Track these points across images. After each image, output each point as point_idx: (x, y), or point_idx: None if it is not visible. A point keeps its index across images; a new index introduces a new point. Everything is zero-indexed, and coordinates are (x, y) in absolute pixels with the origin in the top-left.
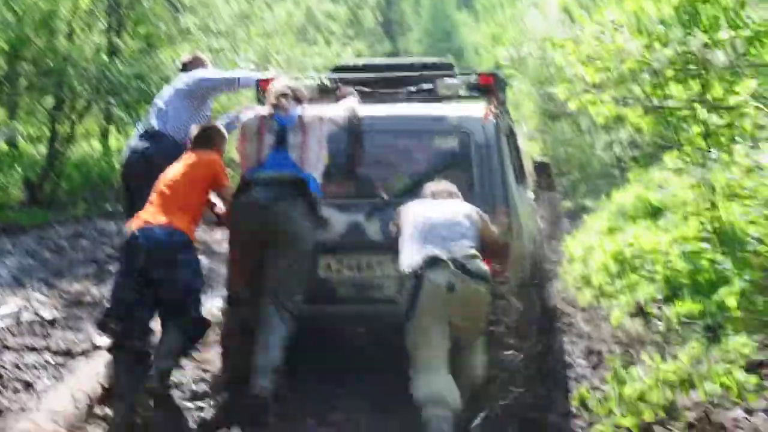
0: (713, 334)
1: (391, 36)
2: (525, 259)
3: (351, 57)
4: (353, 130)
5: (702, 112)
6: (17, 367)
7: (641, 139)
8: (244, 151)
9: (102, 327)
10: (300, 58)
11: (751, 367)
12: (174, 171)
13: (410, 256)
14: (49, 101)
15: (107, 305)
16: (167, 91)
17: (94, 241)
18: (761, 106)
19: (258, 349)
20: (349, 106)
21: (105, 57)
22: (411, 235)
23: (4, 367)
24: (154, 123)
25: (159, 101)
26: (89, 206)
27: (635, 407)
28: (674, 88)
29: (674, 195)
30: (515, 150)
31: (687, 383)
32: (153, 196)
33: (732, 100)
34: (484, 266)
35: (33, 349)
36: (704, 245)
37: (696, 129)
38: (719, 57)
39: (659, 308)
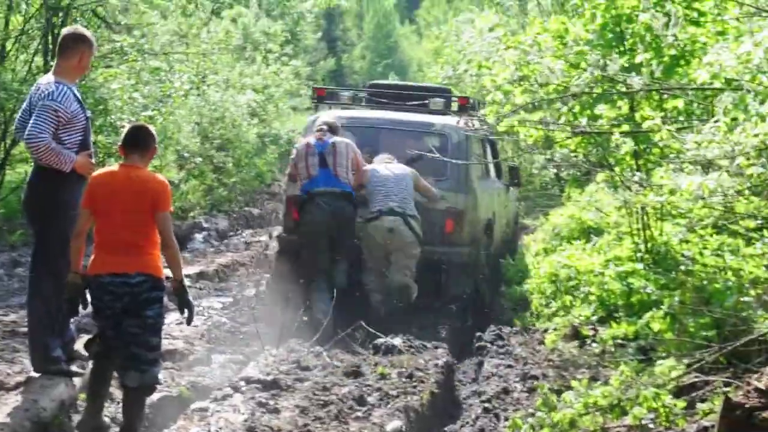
0: (646, 357)
1: (335, 52)
2: (479, 224)
3: (290, 74)
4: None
5: (617, 137)
6: None
7: (576, 158)
8: (298, 168)
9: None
10: (238, 77)
11: (684, 389)
12: (121, 200)
13: (377, 202)
14: None
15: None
16: None
17: None
18: (671, 129)
19: (319, 292)
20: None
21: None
22: (375, 189)
23: None
24: None
25: None
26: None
27: None
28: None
29: (607, 215)
30: (493, 152)
31: (618, 408)
32: (111, 233)
33: (645, 124)
34: (419, 226)
35: None
36: (638, 266)
37: (626, 149)
38: (636, 80)
39: (594, 330)
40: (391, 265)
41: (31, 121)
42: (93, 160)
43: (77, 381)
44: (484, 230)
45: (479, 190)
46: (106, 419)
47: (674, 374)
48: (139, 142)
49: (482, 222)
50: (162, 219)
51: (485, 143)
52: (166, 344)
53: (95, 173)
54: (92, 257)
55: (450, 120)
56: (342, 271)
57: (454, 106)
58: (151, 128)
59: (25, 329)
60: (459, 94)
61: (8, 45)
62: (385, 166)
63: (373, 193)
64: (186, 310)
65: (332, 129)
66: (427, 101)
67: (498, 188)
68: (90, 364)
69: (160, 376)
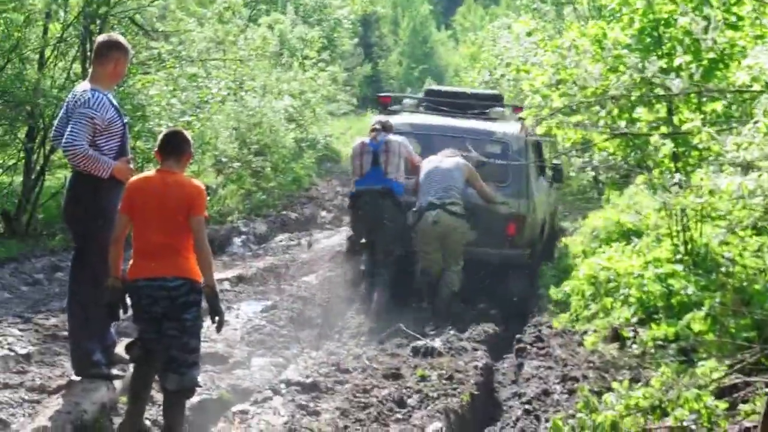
0: (687, 358)
1: (372, 58)
2: (537, 226)
3: (327, 80)
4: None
5: (656, 139)
6: None
7: (615, 160)
8: (353, 166)
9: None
10: (275, 83)
11: (725, 390)
12: (158, 205)
13: (420, 199)
14: (24, 131)
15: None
16: None
17: None
18: (710, 131)
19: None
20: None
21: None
22: (422, 184)
23: None
24: None
25: None
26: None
27: None
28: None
29: (646, 217)
30: (539, 153)
31: (659, 409)
32: (148, 238)
33: (685, 126)
34: (460, 208)
35: (7, 386)
36: (677, 267)
37: (665, 152)
38: (675, 83)
39: (634, 331)
40: (446, 256)
41: (68, 129)
42: (132, 166)
43: (118, 384)
44: (540, 231)
45: (536, 194)
46: (147, 422)
47: (715, 375)
48: (174, 147)
49: (539, 224)
50: (196, 223)
51: (535, 145)
52: (205, 347)
53: (132, 179)
54: (130, 262)
55: (510, 128)
56: (383, 279)
57: (507, 112)
58: (187, 133)
59: (66, 333)
60: (514, 103)
61: (47, 52)
62: (435, 159)
63: (419, 189)
64: (216, 317)
65: (385, 127)
66: (487, 110)
67: (545, 186)
68: (130, 368)
69: (200, 378)
